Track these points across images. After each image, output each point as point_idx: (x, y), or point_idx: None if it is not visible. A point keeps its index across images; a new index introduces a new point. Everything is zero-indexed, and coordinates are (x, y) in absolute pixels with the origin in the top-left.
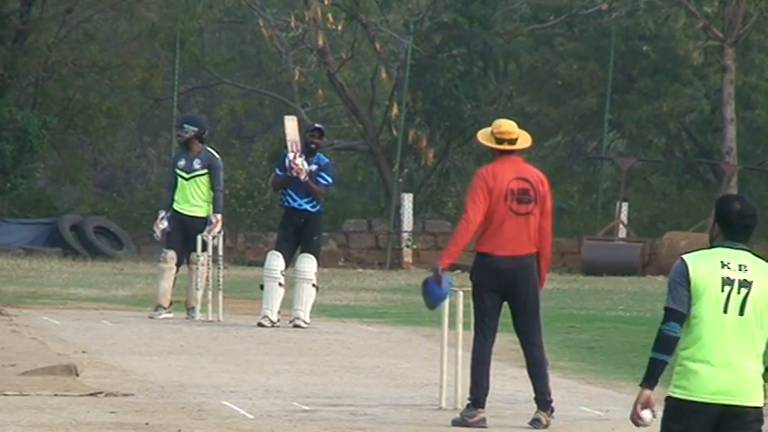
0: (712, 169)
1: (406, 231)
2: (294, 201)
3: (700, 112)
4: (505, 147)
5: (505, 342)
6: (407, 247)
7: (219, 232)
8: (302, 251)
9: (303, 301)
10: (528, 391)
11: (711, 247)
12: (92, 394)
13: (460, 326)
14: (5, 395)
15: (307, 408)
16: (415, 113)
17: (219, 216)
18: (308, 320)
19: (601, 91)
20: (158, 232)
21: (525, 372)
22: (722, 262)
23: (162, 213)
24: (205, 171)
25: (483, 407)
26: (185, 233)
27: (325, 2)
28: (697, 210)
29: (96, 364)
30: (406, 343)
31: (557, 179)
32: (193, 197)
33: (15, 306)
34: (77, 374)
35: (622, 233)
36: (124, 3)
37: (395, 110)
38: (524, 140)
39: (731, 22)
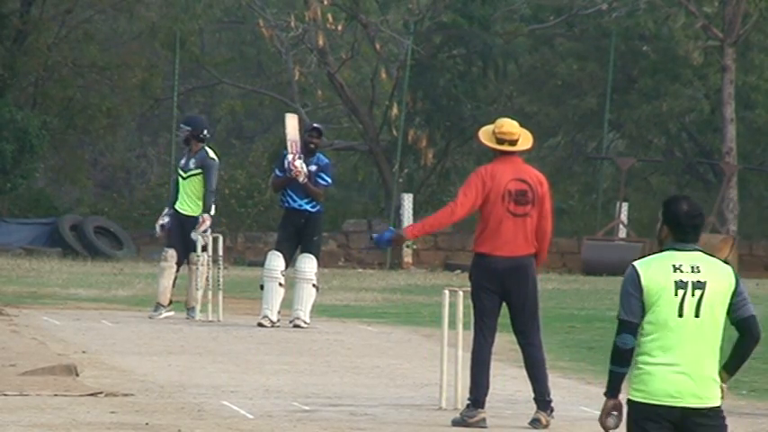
0: (712, 169)
1: None
2: (294, 201)
3: (700, 112)
4: (505, 147)
5: (505, 342)
6: (407, 247)
7: (205, 232)
8: (302, 251)
9: (303, 301)
10: (528, 391)
11: (662, 251)
12: (92, 394)
13: (460, 326)
14: (5, 395)
15: (307, 408)
16: (415, 113)
17: (207, 216)
18: (308, 320)
19: (601, 91)
20: (157, 228)
21: (525, 372)
22: (674, 265)
23: (166, 210)
24: (199, 171)
25: (483, 407)
26: (184, 232)
27: (325, 2)
28: None
29: (96, 364)
30: (406, 343)
31: (557, 179)
32: (189, 197)
33: (15, 306)
34: (77, 374)
35: (622, 233)
36: (124, 3)
37: (395, 110)
38: (525, 141)
39: (731, 22)
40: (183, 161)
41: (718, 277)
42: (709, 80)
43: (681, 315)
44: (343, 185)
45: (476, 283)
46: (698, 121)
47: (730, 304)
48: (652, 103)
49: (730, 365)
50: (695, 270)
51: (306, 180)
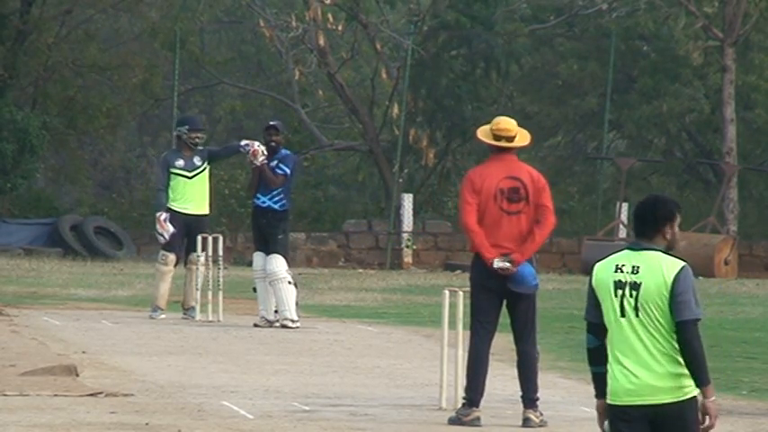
0: (712, 169)
1: (406, 231)
2: (259, 199)
3: (700, 112)
4: (503, 144)
5: (505, 342)
6: (407, 247)
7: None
8: (269, 252)
9: (284, 301)
10: None
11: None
12: (92, 394)
13: (460, 326)
14: (5, 395)
15: (307, 408)
16: (416, 113)
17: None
18: (295, 318)
19: (601, 91)
20: (167, 235)
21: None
22: (617, 265)
23: (164, 215)
24: (206, 165)
25: (478, 406)
26: (189, 234)
27: (326, 1)
28: (697, 210)
29: (96, 364)
30: (406, 343)
31: (557, 179)
32: (200, 195)
33: (15, 306)
34: (77, 374)
35: (622, 233)
36: (124, 2)
37: (395, 110)
38: (523, 138)
39: (731, 22)
40: (181, 162)
41: (654, 279)
42: (709, 80)
43: (623, 315)
44: (344, 185)
45: (474, 282)
46: (698, 121)
47: (670, 305)
48: (652, 103)
49: (694, 378)
50: (635, 270)
51: (264, 160)
